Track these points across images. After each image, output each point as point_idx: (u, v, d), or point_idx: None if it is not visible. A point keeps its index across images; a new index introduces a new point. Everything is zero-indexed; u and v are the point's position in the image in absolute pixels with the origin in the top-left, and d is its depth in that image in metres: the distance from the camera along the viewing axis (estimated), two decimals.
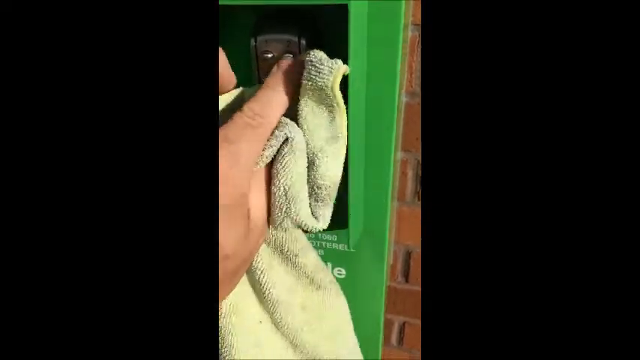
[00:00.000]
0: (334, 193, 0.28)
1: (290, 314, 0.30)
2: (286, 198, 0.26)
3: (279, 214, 0.26)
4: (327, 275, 0.31)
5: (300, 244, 0.29)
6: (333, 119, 0.26)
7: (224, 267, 0.23)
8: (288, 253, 0.29)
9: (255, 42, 0.30)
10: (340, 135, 0.26)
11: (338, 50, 0.31)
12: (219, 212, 0.22)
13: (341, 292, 0.33)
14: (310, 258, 0.30)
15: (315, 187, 0.27)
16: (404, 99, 0.53)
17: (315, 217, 0.28)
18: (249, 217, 0.24)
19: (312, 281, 0.30)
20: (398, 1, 0.28)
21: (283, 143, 0.25)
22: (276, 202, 0.26)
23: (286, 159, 0.25)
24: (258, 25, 0.30)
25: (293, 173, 0.26)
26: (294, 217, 0.27)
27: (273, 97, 0.25)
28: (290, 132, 0.25)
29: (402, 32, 0.32)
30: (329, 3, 0.24)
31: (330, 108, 0.26)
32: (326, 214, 0.28)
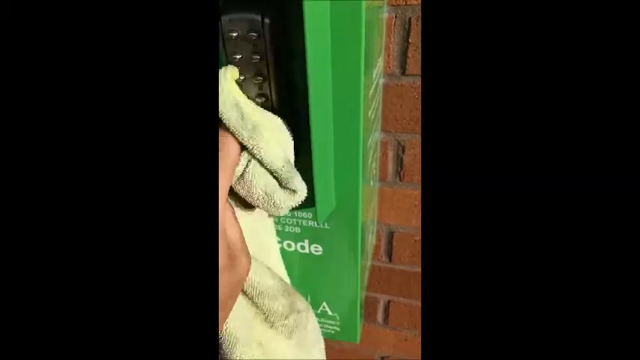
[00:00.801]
0: (292, 166, 0.32)
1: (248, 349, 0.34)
2: (266, 195, 0.31)
3: (268, 209, 0.32)
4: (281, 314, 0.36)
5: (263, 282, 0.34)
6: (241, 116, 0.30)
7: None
8: (250, 289, 0.34)
9: (221, 21, 0.30)
10: (258, 122, 0.30)
11: (300, 28, 0.32)
12: None
13: (293, 335, 0.37)
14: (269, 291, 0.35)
15: (274, 175, 0.31)
16: (382, 80, 0.53)
17: (294, 191, 0.32)
18: (229, 247, 0.26)
19: (266, 319, 0.35)
20: None
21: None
22: (262, 204, 0.31)
23: (252, 171, 0.30)
24: (223, 5, 0.30)
25: (262, 177, 0.31)
26: (281, 205, 0.32)
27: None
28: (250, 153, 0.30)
29: (369, 12, 0.32)
30: None
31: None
32: (298, 185, 0.32)
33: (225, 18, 0.30)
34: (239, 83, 0.32)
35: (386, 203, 0.64)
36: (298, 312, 0.38)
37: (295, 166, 0.33)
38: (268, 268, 0.37)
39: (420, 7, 0.48)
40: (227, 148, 0.29)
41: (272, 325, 0.36)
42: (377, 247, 0.68)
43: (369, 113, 0.43)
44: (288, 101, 0.34)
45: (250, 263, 0.30)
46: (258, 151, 0.30)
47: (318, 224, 0.41)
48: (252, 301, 0.35)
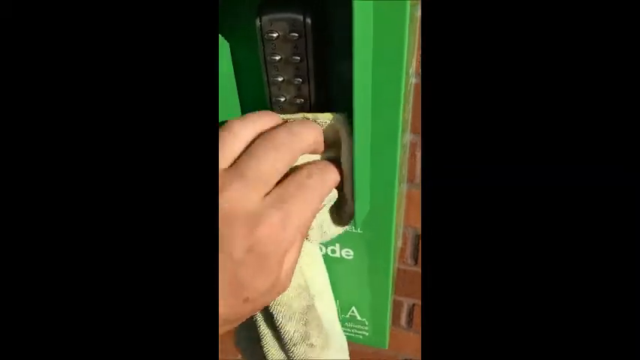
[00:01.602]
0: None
1: None
2: (321, 229, 0.32)
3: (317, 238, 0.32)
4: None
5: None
6: None
7: (242, 309, 0.24)
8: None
9: (260, 22, 0.29)
10: None
11: (344, 29, 0.31)
12: (256, 258, 0.23)
13: None
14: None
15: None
16: (413, 80, 0.52)
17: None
18: (280, 271, 0.25)
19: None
20: None
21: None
22: (313, 237, 0.32)
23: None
24: (262, 5, 0.30)
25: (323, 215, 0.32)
26: (331, 235, 0.34)
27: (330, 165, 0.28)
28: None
29: (410, 11, 0.31)
30: None
31: None
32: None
33: (265, 18, 0.29)
34: (277, 84, 0.32)
35: (413, 205, 0.62)
36: (311, 345, 0.36)
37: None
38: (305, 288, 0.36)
39: None
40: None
41: (282, 346, 0.36)
42: (402, 250, 0.67)
43: (405, 113, 0.42)
44: (327, 102, 0.34)
45: (283, 291, 0.29)
46: None
47: (351, 228, 0.40)
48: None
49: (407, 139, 0.54)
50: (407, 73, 0.37)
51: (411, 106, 0.54)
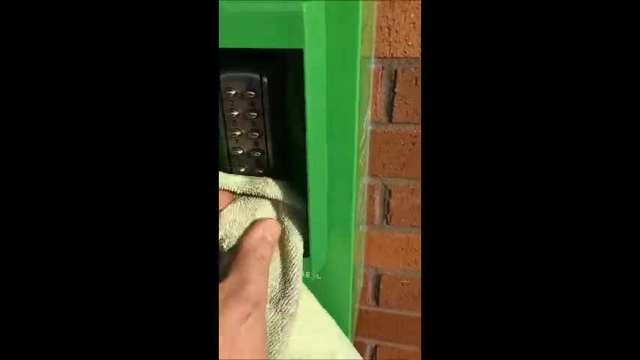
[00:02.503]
0: None
1: None
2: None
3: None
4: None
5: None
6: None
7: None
8: None
9: (219, 79, 0.31)
10: None
11: (298, 86, 0.33)
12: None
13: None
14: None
15: None
16: (369, 127, 0.55)
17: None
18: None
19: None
20: (353, 38, 0.30)
21: None
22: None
23: None
24: (222, 62, 0.31)
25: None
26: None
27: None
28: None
29: (361, 66, 0.33)
30: (286, 47, 0.25)
31: None
32: None
33: (223, 76, 0.30)
34: (234, 139, 0.33)
35: (373, 246, 0.64)
36: None
37: (290, 217, 0.33)
38: None
39: (405, 60, 0.50)
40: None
41: None
42: (364, 290, 0.68)
43: (360, 160, 0.43)
44: (283, 154, 0.35)
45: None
46: None
47: (309, 276, 0.41)
48: None
49: (364, 182, 0.55)
50: (361, 123, 0.39)
51: (367, 152, 0.56)
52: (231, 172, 0.34)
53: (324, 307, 0.43)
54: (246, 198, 0.33)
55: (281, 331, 0.30)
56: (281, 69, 0.32)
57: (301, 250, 0.33)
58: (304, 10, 0.24)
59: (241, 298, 0.26)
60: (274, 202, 0.33)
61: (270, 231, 0.31)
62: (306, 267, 0.40)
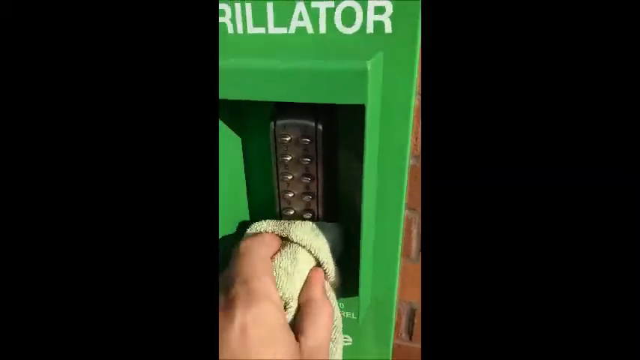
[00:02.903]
0: None
1: None
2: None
3: None
4: None
5: None
6: None
7: None
8: None
9: (275, 125, 0.31)
10: None
11: (353, 131, 0.33)
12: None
13: None
14: None
15: None
16: (410, 162, 0.54)
17: None
18: None
19: None
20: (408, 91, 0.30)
21: None
22: None
23: None
24: (277, 110, 0.32)
25: None
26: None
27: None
28: None
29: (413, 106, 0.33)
30: (347, 103, 0.26)
31: None
32: None
33: (279, 123, 0.31)
34: (285, 181, 0.33)
35: (408, 280, 0.63)
36: None
37: (339, 260, 0.33)
38: None
39: None
40: None
41: None
42: (397, 325, 0.66)
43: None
44: (332, 198, 0.35)
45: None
46: None
47: (350, 315, 0.40)
48: None
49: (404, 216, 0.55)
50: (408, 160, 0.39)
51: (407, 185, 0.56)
52: (280, 213, 0.35)
53: (365, 345, 0.43)
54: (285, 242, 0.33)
55: None
56: (335, 117, 0.33)
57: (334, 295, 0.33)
58: (369, 68, 0.25)
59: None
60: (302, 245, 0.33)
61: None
62: (350, 307, 0.40)
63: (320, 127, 0.31)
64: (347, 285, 0.35)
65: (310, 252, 0.31)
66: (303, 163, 0.32)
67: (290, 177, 0.33)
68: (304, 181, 0.33)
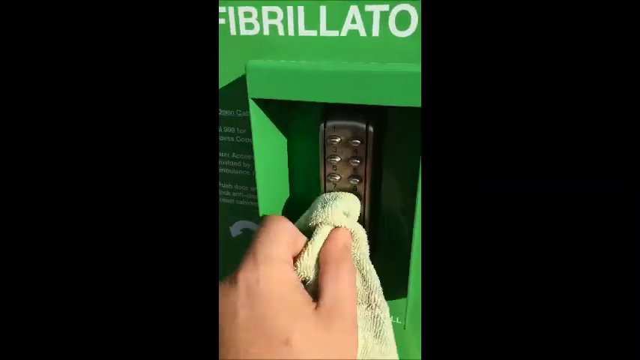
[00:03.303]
0: None
1: None
2: None
3: None
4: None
5: None
6: None
7: None
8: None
9: (325, 127, 0.32)
10: None
11: (406, 136, 0.33)
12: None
13: None
14: None
15: None
16: None
17: None
18: None
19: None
20: None
21: None
22: None
23: None
24: (328, 111, 0.32)
25: None
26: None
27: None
28: None
29: None
30: (402, 105, 0.26)
31: None
32: None
33: (329, 124, 0.31)
34: (333, 183, 0.33)
35: None
36: None
37: (387, 264, 0.33)
38: None
39: None
40: None
41: None
42: None
43: None
44: (380, 201, 0.35)
45: None
46: None
47: (396, 321, 0.40)
48: None
49: None
50: None
51: None
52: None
53: (411, 352, 0.43)
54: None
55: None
56: (384, 120, 0.33)
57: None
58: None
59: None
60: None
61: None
62: (395, 311, 0.40)
63: (371, 128, 0.31)
64: (388, 291, 0.36)
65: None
66: (352, 164, 0.32)
67: (338, 178, 0.33)
68: (352, 182, 0.33)
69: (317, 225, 0.30)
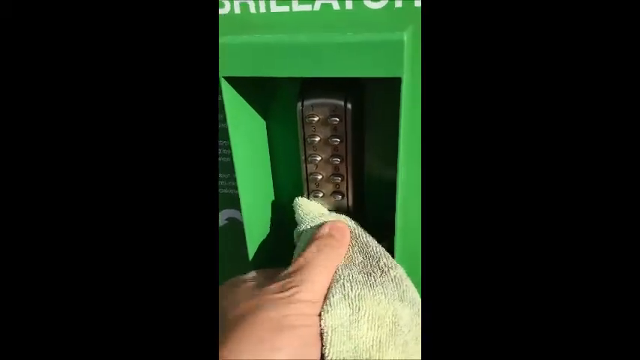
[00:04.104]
0: None
1: None
2: None
3: None
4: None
5: None
6: None
7: None
8: None
9: (302, 106, 0.31)
10: None
11: (384, 111, 0.32)
12: None
13: None
14: None
15: None
16: None
17: None
18: None
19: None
20: None
21: None
22: None
23: None
24: (304, 89, 0.31)
25: None
26: None
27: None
28: None
29: None
30: (383, 76, 0.25)
31: None
32: None
33: (307, 103, 0.30)
34: (314, 163, 0.32)
35: None
36: None
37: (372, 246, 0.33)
38: None
39: None
40: None
41: None
42: None
43: None
44: (363, 180, 0.35)
45: None
46: None
47: None
48: None
49: None
50: None
51: None
52: (308, 196, 0.34)
53: None
54: None
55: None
56: (362, 95, 0.32)
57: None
58: (405, 39, 0.24)
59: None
60: None
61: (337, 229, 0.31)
62: None
63: (349, 105, 0.30)
64: None
65: None
66: (332, 143, 0.31)
67: (318, 158, 0.32)
68: (333, 162, 0.32)
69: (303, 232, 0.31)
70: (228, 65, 0.28)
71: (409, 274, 0.31)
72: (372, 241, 0.31)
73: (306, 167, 0.33)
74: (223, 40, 0.27)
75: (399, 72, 0.25)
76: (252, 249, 0.36)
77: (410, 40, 0.26)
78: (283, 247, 0.36)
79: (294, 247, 0.33)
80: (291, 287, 0.26)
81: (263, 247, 0.37)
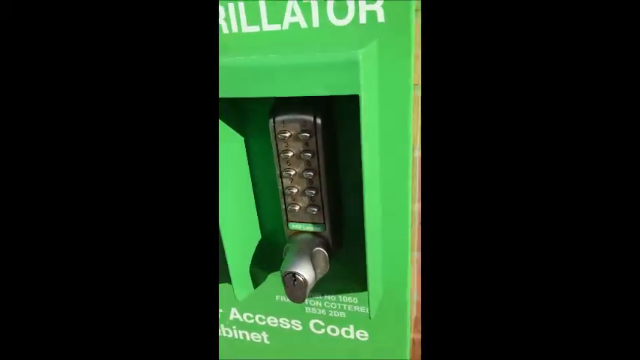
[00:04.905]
0: None
1: None
2: None
3: None
4: None
5: None
6: None
7: None
8: None
9: (274, 122, 0.31)
10: None
11: (352, 124, 0.33)
12: None
13: None
14: None
15: None
16: (416, 154, 0.54)
17: None
18: None
19: None
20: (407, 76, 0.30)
21: None
22: None
23: None
24: (275, 107, 0.32)
25: None
26: None
27: None
28: None
29: (412, 95, 0.33)
30: (341, 94, 0.26)
31: None
32: None
33: (278, 119, 0.31)
34: (289, 178, 0.33)
35: None
36: None
37: (345, 257, 0.33)
38: None
39: None
40: None
41: None
42: (417, 319, 0.65)
43: (411, 187, 0.43)
44: (337, 192, 0.35)
45: None
46: None
47: (367, 310, 0.40)
48: None
49: (413, 209, 0.54)
50: (412, 150, 0.39)
51: (416, 176, 0.55)
52: (285, 209, 0.35)
53: (381, 340, 0.42)
54: None
55: None
56: (333, 110, 0.32)
57: None
58: (360, 57, 0.24)
59: None
60: None
61: None
62: (363, 302, 0.40)
63: (319, 120, 0.31)
64: (359, 279, 0.35)
65: None
66: (305, 158, 0.32)
67: (293, 172, 0.33)
68: (307, 175, 0.33)
69: None
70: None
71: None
72: None
73: (282, 181, 0.34)
74: None
75: (356, 89, 0.25)
76: (231, 256, 0.37)
77: (369, 56, 0.26)
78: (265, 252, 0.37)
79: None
80: None
81: (242, 253, 0.38)
